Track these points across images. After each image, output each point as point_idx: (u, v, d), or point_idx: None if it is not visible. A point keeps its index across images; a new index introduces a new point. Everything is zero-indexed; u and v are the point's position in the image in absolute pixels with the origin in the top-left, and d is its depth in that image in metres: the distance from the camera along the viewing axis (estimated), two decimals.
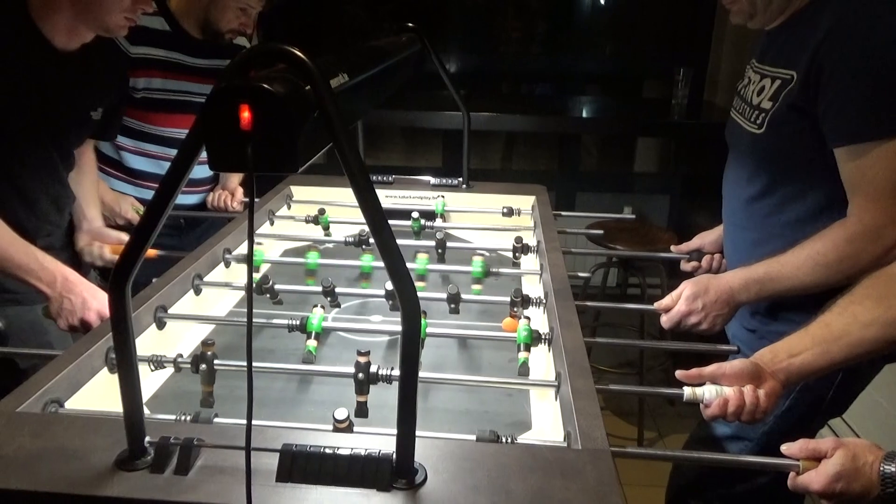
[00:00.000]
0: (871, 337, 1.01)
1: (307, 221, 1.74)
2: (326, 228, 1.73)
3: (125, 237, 1.60)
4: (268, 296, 1.37)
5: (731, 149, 1.41)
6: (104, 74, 1.53)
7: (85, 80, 1.46)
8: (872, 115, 1.06)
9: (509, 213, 1.82)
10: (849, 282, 1.12)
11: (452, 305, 1.29)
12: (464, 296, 1.29)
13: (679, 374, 1.01)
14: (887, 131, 1.06)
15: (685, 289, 1.28)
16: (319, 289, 1.31)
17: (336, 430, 0.87)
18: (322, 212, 1.74)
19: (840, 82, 1.09)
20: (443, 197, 1.87)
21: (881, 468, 0.83)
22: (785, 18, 1.25)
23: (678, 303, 1.28)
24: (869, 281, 1.05)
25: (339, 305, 1.37)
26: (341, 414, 0.87)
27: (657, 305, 1.31)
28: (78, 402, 0.96)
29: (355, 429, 0.89)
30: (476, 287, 1.45)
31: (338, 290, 1.32)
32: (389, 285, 1.26)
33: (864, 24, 1.09)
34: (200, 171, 1.90)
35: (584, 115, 3.46)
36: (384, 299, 1.31)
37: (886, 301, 1.01)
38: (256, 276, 1.47)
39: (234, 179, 2.04)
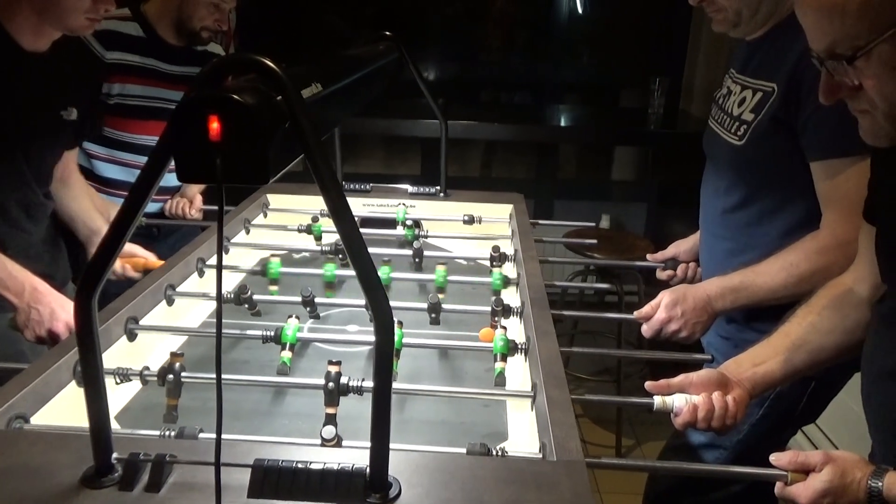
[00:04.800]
0: (830, 344, 1.04)
1: (300, 231, 1.72)
2: (319, 238, 1.70)
3: (137, 249, 1.57)
4: (246, 306, 1.35)
5: (710, 158, 1.42)
6: (75, 73, 1.51)
7: (54, 80, 1.43)
8: (849, 132, 1.06)
9: (470, 220, 1.80)
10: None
11: (433, 315, 1.28)
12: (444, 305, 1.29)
13: (648, 385, 1.02)
14: (862, 148, 1.07)
15: (664, 297, 1.29)
16: (297, 298, 1.29)
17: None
18: (315, 220, 1.72)
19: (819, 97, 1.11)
20: (404, 205, 1.85)
21: (868, 484, 0.83)
22: (767, 29, 1.26)
23: (658, 310, 1.29)
24: (824, 291, 1.07)
25: (318, 317, 1.36)
26: (329, 433, 0.86)
27: (637, 315, 1.32)
28: (44, 418, 0.94)
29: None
30: (440, 296, 1.44)
31: (316, 300, 1.31)
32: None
33: None
34: (172, 178, 1.88)
35: (563, 123, 3.49)
36: (362, 309, 1.30)
37: (842, 311, 1.03)
38: (274, 288, 1.44)
39: (194, 187, 2.01)
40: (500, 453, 0.86)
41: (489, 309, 1.28)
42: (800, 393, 1.29)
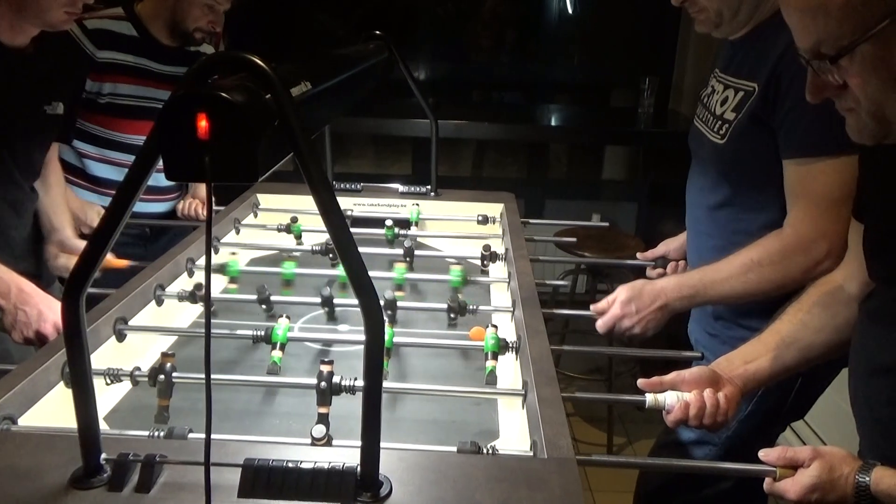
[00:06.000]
0: (820, 342, 1.05)
1: (279, 230, 1.71)
2: (299, 237, 1.71)
3: None
4: (263, 307, 1.34)
5: (694, 156, 1.44)
6: (60, 68, 1.50)
7: (39, 75, 1.42)
8: (822, 131, 1.08)
9: (484, 220, 1.81)
10: (780, 292, 1.16)
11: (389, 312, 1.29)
12: (432, 304, 1.29)
13: (641, 382, 1.03)
14: (834, 148, 1.08)
15: (620, 293, 1.30)
16: (300, 299, 1.29)
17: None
18: (294, 220, 1.72)
19: (795, 96, 1.11)
20: (417, 205, 1.86)
21: (856, 479, 0.84)
22: (749, 29, 1.27)
23: (612, 306, 1.29)
24: (814, 289, 1.08)
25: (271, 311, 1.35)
26: (319, 432, 0.86)
27: (593, 308, 1.33)
28: (32, 419, 0.93)
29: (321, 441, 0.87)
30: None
31: (306, 299, 1.30)
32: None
33: None
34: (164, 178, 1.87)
35: (553, 123, 3.49)
36: (354, 308, 1.30)
37: (832, 308, 1.04)
38: (233, 286, 1.44)
39: (204, 187, 2.01)
40: (490, 451, 0.86)
41: (474, 307, 1.28)
42: (787, 389, 1.30)
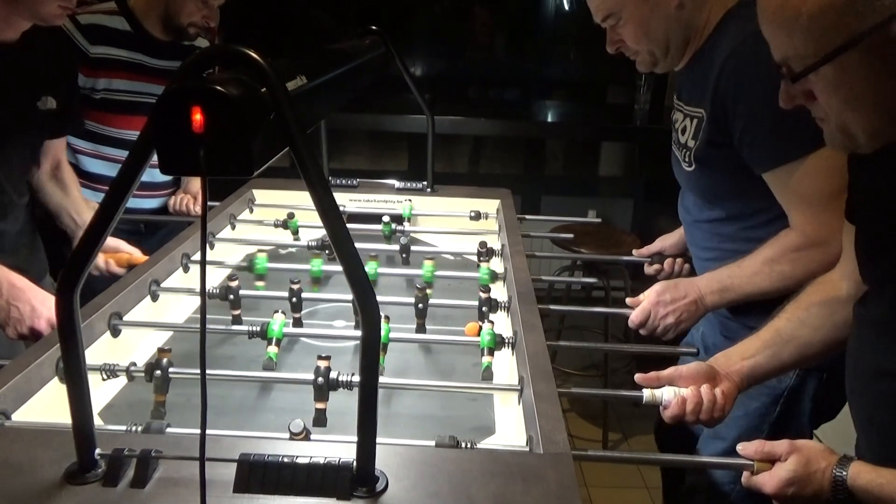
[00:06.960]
0: (818, 339, 1.05)
1: (276, 226, 1.71)
2: (295, 233, 1.70)
3: (122, 245, 1.55)
4: (230, 297, 1.33)
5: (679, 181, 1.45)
6: (51, 63, 1.49)
7: (27, 69, 1.41)
8: (784, 138, 1.10)
9: (476, 216, 1.82)
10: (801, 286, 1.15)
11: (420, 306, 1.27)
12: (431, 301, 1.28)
13: (638, 377, 1.03)
14: (802, 149, 1.09)
15: (654, 287, 1.31)
16: (283, 293, 1.29)
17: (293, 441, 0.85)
18: (291, 216, 1.72)
19: (744, 114, 1.14)
20: (409, 200, 1.86)
21: (833, 473, 0.84)
22: (689, 58, 1.29)
23: (646, 298, 1.30)
24: (812, 287, 1.08)
25: (300, 309, 1.35)
26: (296, 426, 0.85)
27: (629, 301, 1.33)
28: (26, 414, 0.93)
29: (316, 437, 0.87)
30: (427, 291, 1.44)
31: (303, 294, 1.30)
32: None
33: (752, 53, 1.10)
34: (159, 173, 1.87)
35: (550, 119, 3.49)
36: (348, 304, 1.29)
37: (830, 306, 1.04)
38: (260, 283, 1.43)
39: (196, 182, 2.00)
40: (469, 445, 0.85)
41: (476, 304, 1.28)
42: (804, 385, 1.29)
